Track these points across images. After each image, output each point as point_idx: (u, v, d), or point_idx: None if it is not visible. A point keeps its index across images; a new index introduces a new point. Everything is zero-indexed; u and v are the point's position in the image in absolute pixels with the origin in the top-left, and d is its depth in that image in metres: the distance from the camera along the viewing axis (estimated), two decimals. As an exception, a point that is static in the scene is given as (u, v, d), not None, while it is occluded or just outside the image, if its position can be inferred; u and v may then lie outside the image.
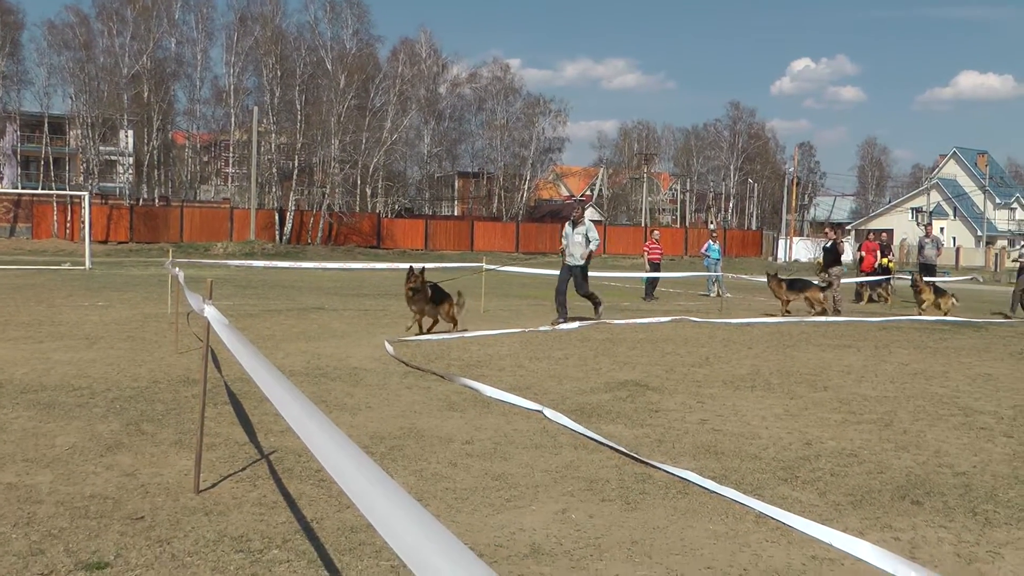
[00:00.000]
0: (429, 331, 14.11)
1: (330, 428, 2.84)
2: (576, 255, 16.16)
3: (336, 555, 4.56)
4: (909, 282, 22.49)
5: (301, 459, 6.20)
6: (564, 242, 16.44)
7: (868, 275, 26.38)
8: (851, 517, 5.35)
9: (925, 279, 22.28)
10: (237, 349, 4.39)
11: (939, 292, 21.70)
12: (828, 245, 21.81)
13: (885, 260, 26.55)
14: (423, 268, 13.98)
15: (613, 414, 8.19)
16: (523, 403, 8.41)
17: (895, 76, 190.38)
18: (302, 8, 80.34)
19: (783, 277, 21.60)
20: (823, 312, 19.60)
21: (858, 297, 26.10)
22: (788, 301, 20.08)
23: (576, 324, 15.60)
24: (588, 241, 16.18)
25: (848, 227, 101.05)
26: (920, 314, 20.54)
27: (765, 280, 21.21)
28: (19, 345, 11.69)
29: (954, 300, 21.31)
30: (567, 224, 16.65)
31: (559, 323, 15.71)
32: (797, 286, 20.66)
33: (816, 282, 21.01)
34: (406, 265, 14.72)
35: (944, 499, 5.75)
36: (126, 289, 22.74)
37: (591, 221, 16.99)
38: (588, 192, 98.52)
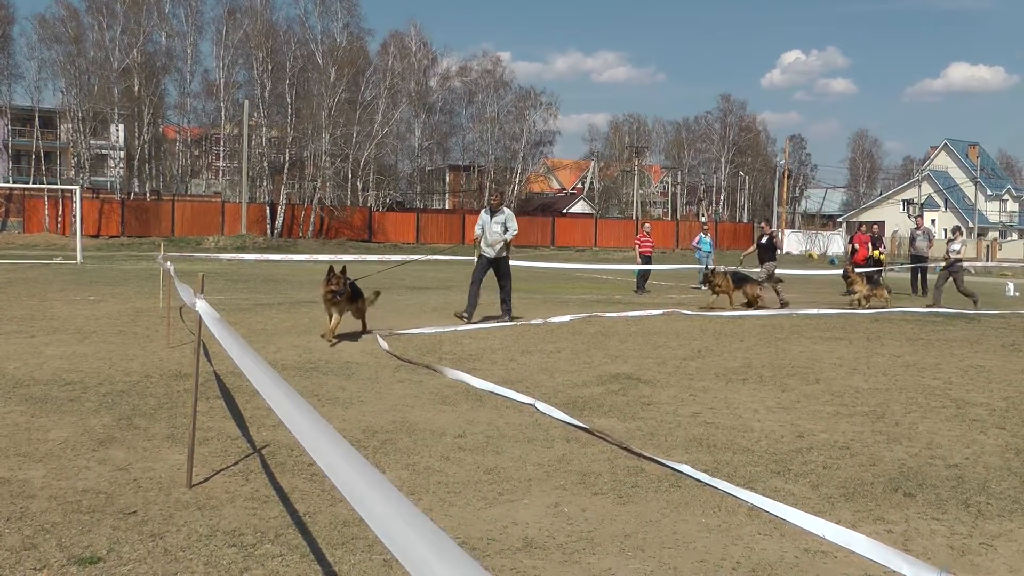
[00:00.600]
0: (362, 332, 13.00)
1: (320, 423, 2.84)
2: (494, 246, 14.88)
3: (329, 549, 4.56)
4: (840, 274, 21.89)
5: (294, 453, 6.19)
6: (479, 231, 15.14)
7: (859, 267, 26.37)
8: (844, 510, 5.36)
9: (859, 271, 21.89)
10: (228, 343, 4.38)
11: (874, 284, 21.17)
12: (764, 240, 20.93)
13: (876, 252, 26.55)
14: (344, 267, 12.16)
15: (605, 407, 8.20)
16: (516, 396, 8.41)
17: (886, 68, 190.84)
18: (292, 1, 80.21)
19: (726, 271, 21.03)
20: (759, 307, 19.30)
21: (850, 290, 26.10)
22: (732, 294, 19.65)
23: (484, 324, 14.60)
24: (506, 230, 14.87)
25: (839, 219, 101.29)
26: (856, 307, 20.02)
27: (709, 275, 20.44)
28: (11, 339, 11.66)
29: (887, 293, 20.79)
30: (483, 212, 15.32)
31: (463, 317, 14.69)
32: (740, 280, 20.06)
33: (755, 277, 20.50)
34: (398, 257, 14.76)
35: (937, 491, 5.77)
36: (118, 283, 22.68)
37: (510, 210, 15.51)
38: (579, 185, 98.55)
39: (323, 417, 2.96)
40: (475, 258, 15.19)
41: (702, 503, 5.42)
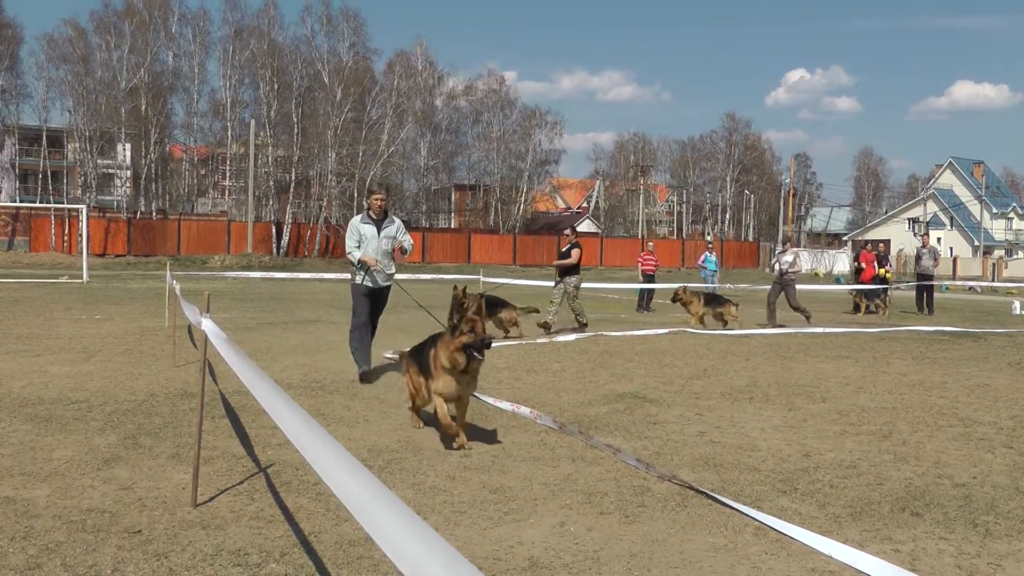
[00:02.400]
0: None
1: (329, 441, 2.83)
2: (384, 270, 10.88)
3: (334, 568, 4.55)
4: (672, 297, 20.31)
5: (299, 472, 6.18)
6: (357, 249, 10.79)
7: (863, 285, 26.33)
8: (851, 529, 5.34)
9: (693, 288, 20.65)
10: (235, 362, 4.38)
11: (718, 302, 19.81)
12: (564, 249, 17.73)
13: (882, 271, 26.53)
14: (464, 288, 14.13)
15: (611, 426, 8.18)
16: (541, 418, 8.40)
17: (890, 86, 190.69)
18: (298, 21, 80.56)
19: (695, 289, 20.67)
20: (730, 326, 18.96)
21: (856, 308, 26.06)
22: (703, 315, 19.30)
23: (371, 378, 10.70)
24: (404, 248, 10.96)
25: (845, 237, 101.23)
26: (697, 325, 18.95)
27: (678, 292, 19.82)
28: (17, 358, 11.67)
29: (735, 309, 19.52)
30: (360, 220, 10.95)
31: (365, 374, 10.65)
32: (712, 300, 19.75)
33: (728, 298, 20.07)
34: (400, 276, 14.61)
35: (944, 510, 5.74)
36: (123, 302, 22.71)
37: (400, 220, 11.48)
38: (585, 204, 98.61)
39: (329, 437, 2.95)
40: (356, 282, 10.98)
41: (708, 522, 5.39)
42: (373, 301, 11.06)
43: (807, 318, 20.11)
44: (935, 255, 27.35)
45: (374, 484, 2.40)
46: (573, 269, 17.36)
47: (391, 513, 2.21)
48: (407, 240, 11.11)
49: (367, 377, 10.58)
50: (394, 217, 11.20)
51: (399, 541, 2.08)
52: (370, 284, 10.89)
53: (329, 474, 2.64)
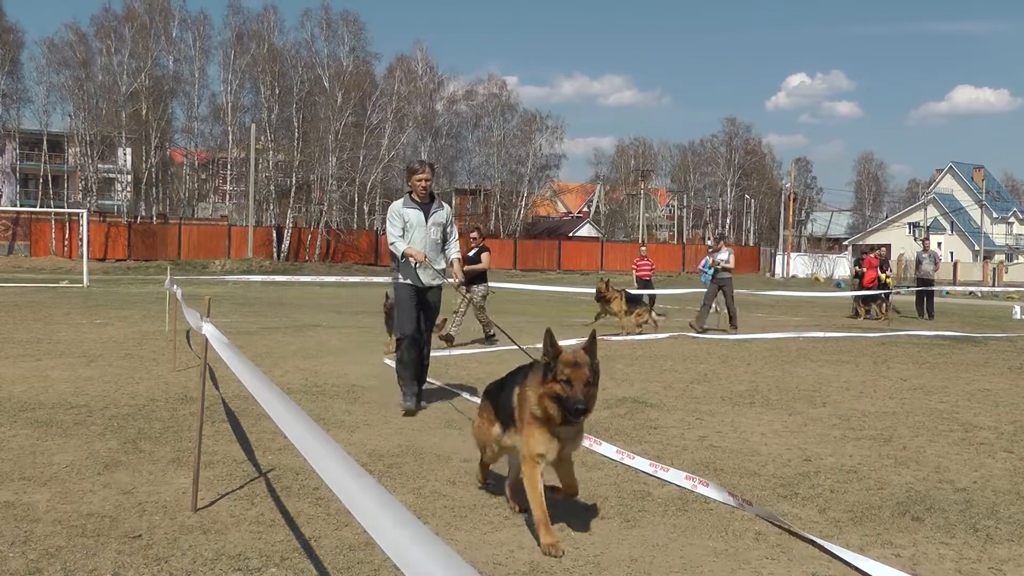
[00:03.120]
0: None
1: (332, 446, 2.83)
2: (436, 268, 9.25)
3: (335, 573, 4.54)
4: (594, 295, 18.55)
5: (299, 477, 6.18)
6: (402, 239, 9.07)
7: (867, 290, 26.30)
8: (851, 534, 5.33)
9: (616, 287, 18.96)
10: (236, 366, 4.38)
11: (639, 305, 18.71)
12: (472, 253, 16.16)
13: (884, 276, 26.52)
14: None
15: (612, 431, 8.17)
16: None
17: (891, 91, 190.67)
18: (299, 26, 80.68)
19: (621, 289, 19.22)
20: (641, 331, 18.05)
21: (856, 313, 26.04)
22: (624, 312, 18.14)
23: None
24: (448, 239, 9.44)
25: (846, 242, 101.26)
26: (627, 332, 17.76)
27: (600, 289, 18.24)
28: (17, 363, 11.66)
29: (654, 316, 18.67)
30: (404, 204, 9.22)
31: (409, 411, 8.83)
32: (632, 301, 18.57)
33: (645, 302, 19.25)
34: (407, 282, 14.58)
35: (945, 515, 5.74)
36: (124, 307, 22.71)
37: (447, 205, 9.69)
38: (585, 208, 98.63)
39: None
40: (394, 280, 9.45)
41: (709, 527, 5.39)
42: (420, 305, 9.19)
43: (733, 325, 19.49)
44: (935, 260, 27.35)
45: (377, 489, 2.40)
46: (481, 276, 15.98)
47: (394, 518, 2.20)
48: (454, 247, 9.39)
49: (412, 413, 8.74)
50: (442, 202, 9.40)
51: (402, 546, 2.08)
52: (411, 282, 9.10)
53: (332, 478, 2.64)
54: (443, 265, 9.33)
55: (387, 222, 9.30)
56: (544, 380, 5.03)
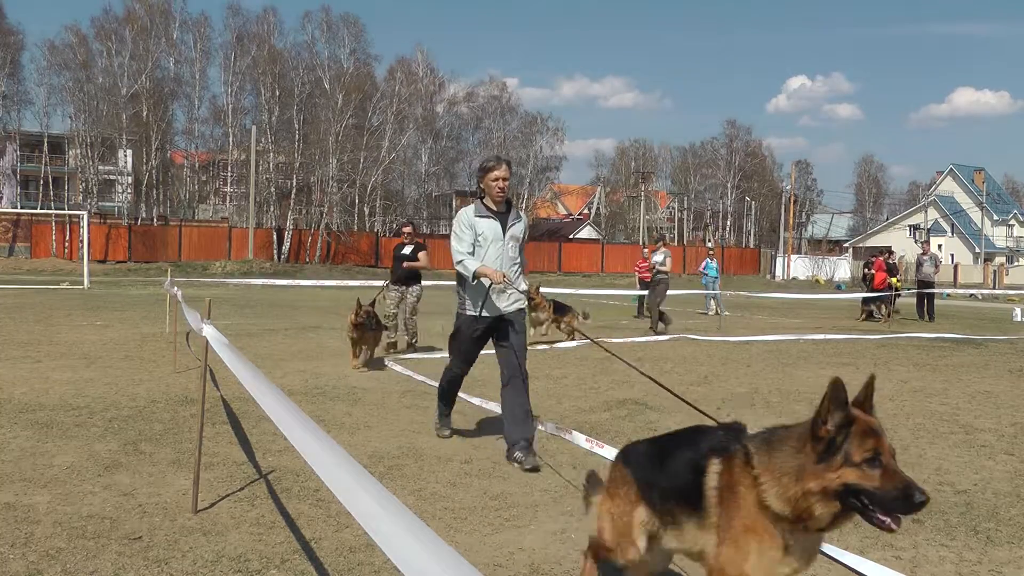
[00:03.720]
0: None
1: (333, 447, 2.83)
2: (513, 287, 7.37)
3: (335, 575, 4.54)
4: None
5: (299, 479, 6.18)
6: (471, 256, 7.29)
7: (874, 292, 26.26)
8: (851, 535, 5.33)
9: (546, 294, 17.30)
10: (237, 368, 4.38)
11: (563, 312, 17.17)
12: (407, 251, 14.56)
13: (894, 280, 26.53)
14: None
15: (612, 433, 8.17)
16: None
17: (891, 93, 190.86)
18: (299, 27, 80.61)
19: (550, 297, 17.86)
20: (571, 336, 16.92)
21: (871, 314, 25.93)
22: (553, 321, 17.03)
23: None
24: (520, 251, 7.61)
25: (846, 244, 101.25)
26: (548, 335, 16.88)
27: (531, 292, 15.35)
28: (17, 364, 11.66)
29: (577, 320, 17.07)
30: (474, 211, 7.43)
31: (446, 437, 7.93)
32: (561, 310, 17.23)
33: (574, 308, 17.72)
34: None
35: (945, 517, 5.73)
36: (124, 308, 22.71)
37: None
38: (586, 210, 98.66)
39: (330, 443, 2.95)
40: (465, 310, 7.50)
41: (709, 529, 5.39)
42: (497, 337, 7.47)
43: (654, 328, 19.02)
44: (936, 262, 27.36)
45: (377, 490, 2.40)
46: (416, 277, 14.63)
47: (395, 519, 2.20)
48: (519, 258, 7.56)
49: (446, 436, 7.88)
50: (519, 211, 7.72)
51: (403, 547, 2.08)
52: (487, 313, 7.34)
53: (332, 480, 2.64)
54: (524, 287, 7.63)
55: (452, 235, 7.45)
56: (823, 458, 3.16)
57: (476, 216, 7.34)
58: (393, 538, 2.14)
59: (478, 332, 7.46)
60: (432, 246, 68.89)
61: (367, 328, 12.38)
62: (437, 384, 8.12)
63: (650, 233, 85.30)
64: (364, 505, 2.36)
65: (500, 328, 7.41)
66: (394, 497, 2.33)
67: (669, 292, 20.33)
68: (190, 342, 13.81)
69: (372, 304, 12.70)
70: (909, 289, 26.77)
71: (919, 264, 27.49)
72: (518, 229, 7.47)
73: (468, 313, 7.42)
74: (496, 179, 7.33)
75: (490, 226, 7.31)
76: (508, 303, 7.37)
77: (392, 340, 14.46)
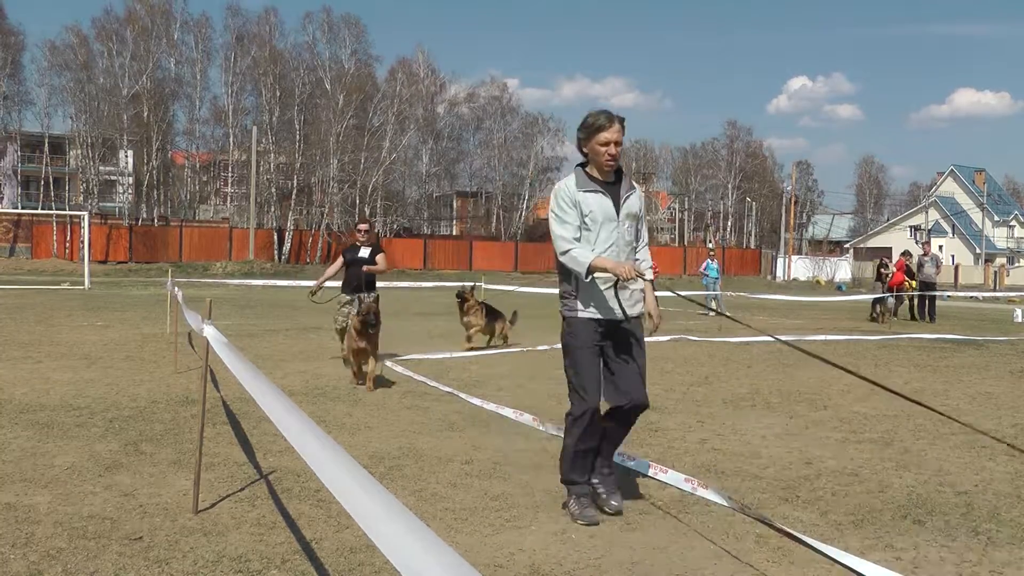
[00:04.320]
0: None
1: (333, 448, 2.83)
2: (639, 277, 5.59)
3: (336, 575, 4.54)
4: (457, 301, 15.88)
5: (300, 479, 6.18)
6: (579, 244, 5.63)
7: (891, 291, 26.17)
8: (852, 537, 5.33)
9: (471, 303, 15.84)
10: (237, 368, 4.38)
11: (494, 316, 16.00)
12: (365, 254, 12.61)
13: (912, 283, 26.51)
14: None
15: (613, 433, 8.16)
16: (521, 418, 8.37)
17: (892, 94, 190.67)
18: (300, 28, 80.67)
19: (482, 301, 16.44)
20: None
21: (887, 313, 25.83)
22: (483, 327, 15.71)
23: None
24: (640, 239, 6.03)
25: (847, 245, 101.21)
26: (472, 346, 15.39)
27: (465, 295, 15.69)
28: (18, 365, 11.67)
29: (506, 326, 16.09)
30: (583, 189, 5.71)
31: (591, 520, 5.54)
32: (492, 315, 15.97)
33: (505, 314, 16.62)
34: (406, 284, 14.48)
35: (946, 518, 5.73)
36: (125, 309, 22.72)
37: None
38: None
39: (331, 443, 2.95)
40: (576, 312, 5.79)
41: (710, 530, 5.39)
42: (613, 347, 5.77)
43: None
44: (937, 263, 27.37)
45: (378, 491, 2.40)
46: (374, 283, 12.57)
47: (395, 520, 2.20)
48: (646, 252, 6.12)
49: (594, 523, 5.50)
50: (632, 181, 5.95)
51: (403, 548, 2.08)
52: (600, 315, 5.68)
53: (333, 481, 2.64)
54: (651, 276, 5.97)
55: (552, 218, 5.74)
56: None
57: (581, 190, 5.69)
58: (393, 539, 2.13)
59: (596, 339, 5.70)
60: (433, 247, 69.17)
61: (373, 331, 10.60)
62: (435, 387, 8.01)
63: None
64: (364, 506, 2.36)
65: (616, 338, 5.73)
66: (394, 498, 2.33)
67: (668, 292, 20.02)
68: (193, 342, 13.81)
69: (376, 301, 11.08)
70: (918, 292, 26.71)
71: (920, 265, 27.47)
72: (634, 204, 5.85)
73: (583, 314, 5.69)
74: (607, 142, 5.65)
75: (599, 202, 5.68)
76: (631, 303, 5.78)
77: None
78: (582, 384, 5.74)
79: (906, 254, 28.03)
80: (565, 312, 5.79)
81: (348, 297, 12.34)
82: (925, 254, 27.46)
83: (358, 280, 12.20)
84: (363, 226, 12.97)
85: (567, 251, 5.58)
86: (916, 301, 27.02)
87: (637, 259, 5.95)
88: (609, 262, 5.48)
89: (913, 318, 26.68)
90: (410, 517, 2.20)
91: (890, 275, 27.01)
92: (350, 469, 2.59)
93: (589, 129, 5.69)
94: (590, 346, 5.69)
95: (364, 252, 12.49)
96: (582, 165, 5.81)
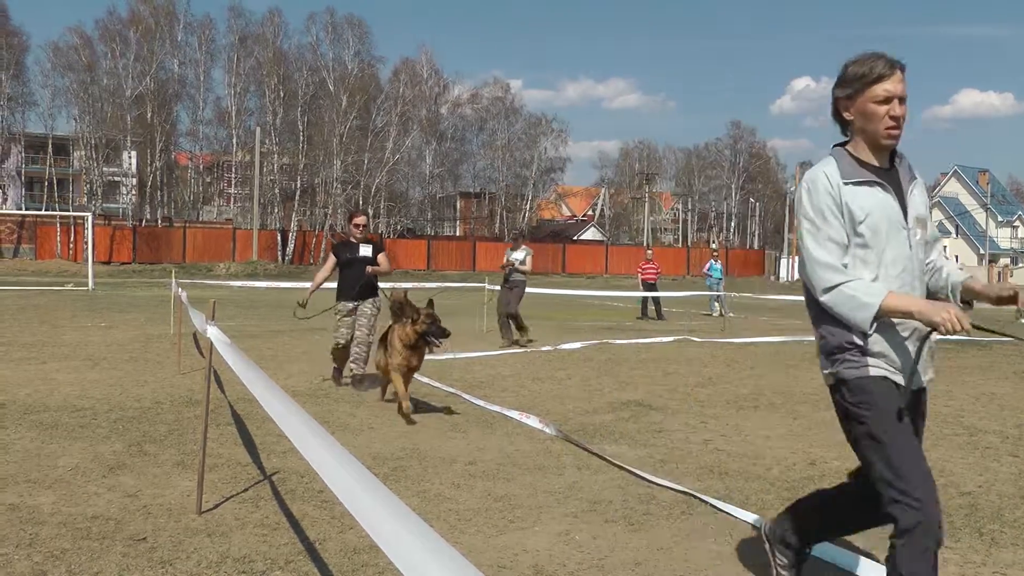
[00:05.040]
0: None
1: (336, 448, 2.83)
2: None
3: (339, 577, 4.54)
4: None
5: (304, 480, 6.18)
6: (857, 279, 3.63)
7: None
8: (855, 537, 5.32)
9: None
10: (241, 369, 4.38)
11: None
12: (367, 252, 11.08)
13: None
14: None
15: (616, 434, 8.17)
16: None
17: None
18: (303, 29, 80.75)
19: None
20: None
21: None
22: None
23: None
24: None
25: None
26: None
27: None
28: (22, 366, 11.68)
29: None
30: (848, 181, 3.64)
31: None
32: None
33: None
34: (408, 285, 14.47)
35: (950, 519, 5.72)
36: (129, 310, 22.74)
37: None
38: (590, 212, 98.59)
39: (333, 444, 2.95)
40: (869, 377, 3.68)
41: (714, 530, 5.38)
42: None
43: (507, 337, 15.96)
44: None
45: (381, 492, 2.40)
46: (375, 286, 11.07)
47: (398, 521, 2.20)
48: (952, 266, 4.12)
49: None
50: (910, 164, 3.97)
51: (406, 549, 2.08)
52: (902, 378, 3.69)
53: (336, 481, 2.64)
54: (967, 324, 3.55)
55: (804, 232, 3.81)
56: None
57: (844, 182, 3.72)
58: (396, 540, 2.13)
59: (901, 408, 3.64)
60: (437, 247, 69.16)
61: (440, 344, 8.94)
62: (438, 388, 8.06)
63: (653, 233, 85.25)
64: (367, 507, 2.36)
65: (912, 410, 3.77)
66: (398, 499, 2.33)
67: (672, 293, 20.13)
68: (198, 343, 13.82)
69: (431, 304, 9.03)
70: None
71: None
72: (920, 200, 3.88)
73: (877, 371, 3.69)
74: (887, 97, 3.77)
75: (879, 201, 3.72)
76: (931, 364, 3.89)
77: (358, 375, 10.76)
78: (908, 480, 3.57)
79: None
80: (844, 372, 3.74)
81: (351, 305, 10.76)
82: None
83: (358, 284, 10.71)
84: (361, 219, 11.21)
85: (835, 286, 3.67)
86: None
87: (940, 269, 4.05)
88: (915, 302, 3.60)
89: None
90: (413, 518, 2.20)
91: None
92: (353, 470, 2.60)
93: (858, 81, 3.77)
94: (893, 420, 3.62)
95: (365, 250, 10.86)
96: (843, 144, 3.88)
